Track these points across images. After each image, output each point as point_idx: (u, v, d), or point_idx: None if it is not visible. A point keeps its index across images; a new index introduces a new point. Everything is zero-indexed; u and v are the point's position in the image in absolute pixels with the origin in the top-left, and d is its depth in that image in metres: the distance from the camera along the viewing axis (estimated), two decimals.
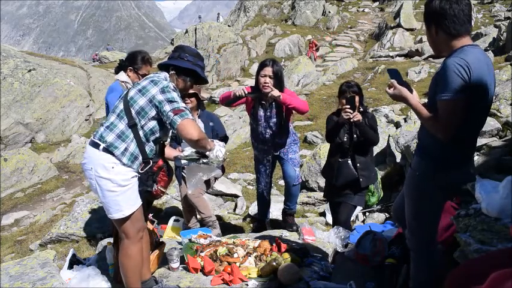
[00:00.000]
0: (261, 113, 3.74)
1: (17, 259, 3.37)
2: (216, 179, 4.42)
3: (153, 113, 2.29)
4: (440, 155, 1.97)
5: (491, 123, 4.54)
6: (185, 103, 3.63)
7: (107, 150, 2.26)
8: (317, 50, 20.77)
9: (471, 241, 2.25)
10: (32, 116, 12.35)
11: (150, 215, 2.95)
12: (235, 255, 2.90)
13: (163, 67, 2.51)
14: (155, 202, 4.93)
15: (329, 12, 26.66)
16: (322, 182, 5.68)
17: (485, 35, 13.23)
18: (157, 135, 2.38)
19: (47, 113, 12.70)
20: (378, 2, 27.91)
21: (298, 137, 4.27)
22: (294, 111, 3.77)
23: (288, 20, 26.69)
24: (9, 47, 15.46)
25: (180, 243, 3.34)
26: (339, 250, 3.25)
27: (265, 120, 3.74)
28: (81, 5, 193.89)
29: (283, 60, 20.69)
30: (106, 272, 2.82)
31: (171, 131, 2.47)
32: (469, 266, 1.79)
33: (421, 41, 17.38)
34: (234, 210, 6.13)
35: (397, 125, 7.61)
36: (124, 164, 2.27)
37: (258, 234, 3.66)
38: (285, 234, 3.62)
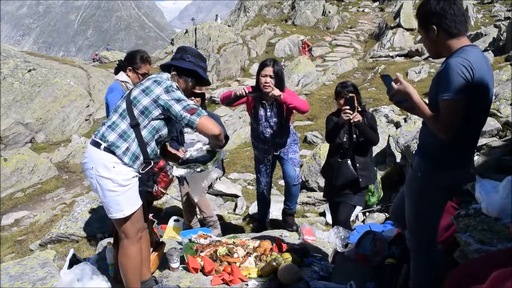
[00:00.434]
0: (262, 112, 3.75)
1: (17, 259, 3.38)
2: (217, 178, 4.42)
3: (157, 112, 2.30)
4: (440, 155, 1.97)
5: (491, 123, 4.54)
6: None
7: (108, 149, 2.26)
8: (309, 50, 20.81)
9: (471, 241, 2.25)
10: (32, 116, 12.34)
11: (150, 215, 2.95)
12: (235, 255, 2.90)
13: (165, 68, 2.52)
14: (155, 202, 4.94)
15: (329, 12, 26.65)
16: (322, 182, 5.68)
17: (485, 35, 13.21)
18: (160, 135, 2.38)
19: (47, 113, 12.69)
20: (378, 2, 27.90)
21: (298, 137, 4.27)
22: (294, 111, 3.78)
23: (288, 20, 26.68)
24: (9, 47, 15.45)
25: (180, 243, 3.33)
26: (339, 250, 3.25)
27: (265, 119, 3.75)
28: (81, 5, 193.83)
29: (283, 60, 20.67)
30: (106, 272, 2.82)
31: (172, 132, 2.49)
32: (469, 266, 1.79)
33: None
34: (234, 210, 6.14)
35: (397, 125, 7.61)
36: (125, 164, 2.27)
37: (258, 234, 3.66)
38: (285, 234, 3.62)
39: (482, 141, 4.30)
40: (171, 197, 6.06)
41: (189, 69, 2.46)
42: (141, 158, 2.34)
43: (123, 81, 3.40)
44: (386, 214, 4.94)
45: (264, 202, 4.26)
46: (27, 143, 12.12)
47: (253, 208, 5.31)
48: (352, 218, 4.57)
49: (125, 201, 2.29)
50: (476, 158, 3.97)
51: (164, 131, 2.40)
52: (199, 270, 2.78)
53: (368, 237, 2.97)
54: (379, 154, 6.57)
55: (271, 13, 27.84)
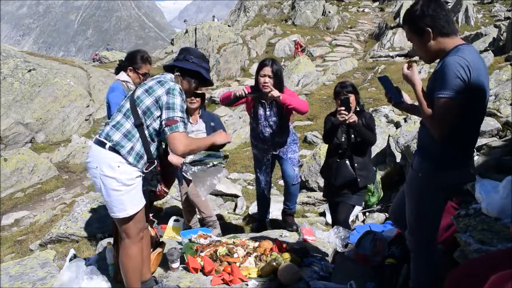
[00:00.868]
0: (261, 111, 3.75)
1: (17, 259, 3.38)
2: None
3: (158, 112, 2.30)
4: (440, 155, 1.98)
5: (491, 123, 4.53)
6: (191, 102, 3.66)
7: (113, 149, 2.27)
8: (302, 50, 20.85)
9: (471, 241, 2.25)
10: (32, 116, 12.34)
11: (151, 215, 2.95)
12: (235, 255, 2.90)
13: (168, 68, 2.52)
14: (155, 202, 4.94)
15: (329, 12, 26.64)
16: (322, 182, 5.66)
17: (485, 35, 13.19)
18: (163, 135, 2.39)
19: (47, 113, 12.69)
20: (378, 2, 27.90)
21: (298, 137, 4.28)
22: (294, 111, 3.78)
23: (288, 20, 26.68)
24: (9, 47, 15.44)
25: (180, 243, 3.34)
26: (339, 250, 3.25)
27: (265, 119, 3.75)
28: (81, 5, 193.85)
29: (283, 60, 20.67)
30: (106, 272, 2.82)
31: None
32: (469, 266, 1.79)
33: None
34: (234, 210, 6.14)
35: (397, 125, 7.60)
36: (130, 163, 2.28)
37: (258, 234, 3.66)
38: (285, 234, 3.62)
39: (482, 141, 4.29)
40: (171, 197, 6.06)
41: (193, 70, 2.47)
42: (145, 157, 2.35)
43: (123, 81, 3.40)
44: (386, 214, 4.94)
45: (263, 201, 4.26)
46: (27, 143, 12.12)
47: (253, 208, 5.32)
48: (352, 218, 4.57)
49: (128, 200, 2.30)
50: (476, 158, 3.97)
51: None
52: (199, 270, 2.78)
53: (368, 237, 2.97)
54: (379, 154, 6.57)
55: (271, 13, 27.84)
